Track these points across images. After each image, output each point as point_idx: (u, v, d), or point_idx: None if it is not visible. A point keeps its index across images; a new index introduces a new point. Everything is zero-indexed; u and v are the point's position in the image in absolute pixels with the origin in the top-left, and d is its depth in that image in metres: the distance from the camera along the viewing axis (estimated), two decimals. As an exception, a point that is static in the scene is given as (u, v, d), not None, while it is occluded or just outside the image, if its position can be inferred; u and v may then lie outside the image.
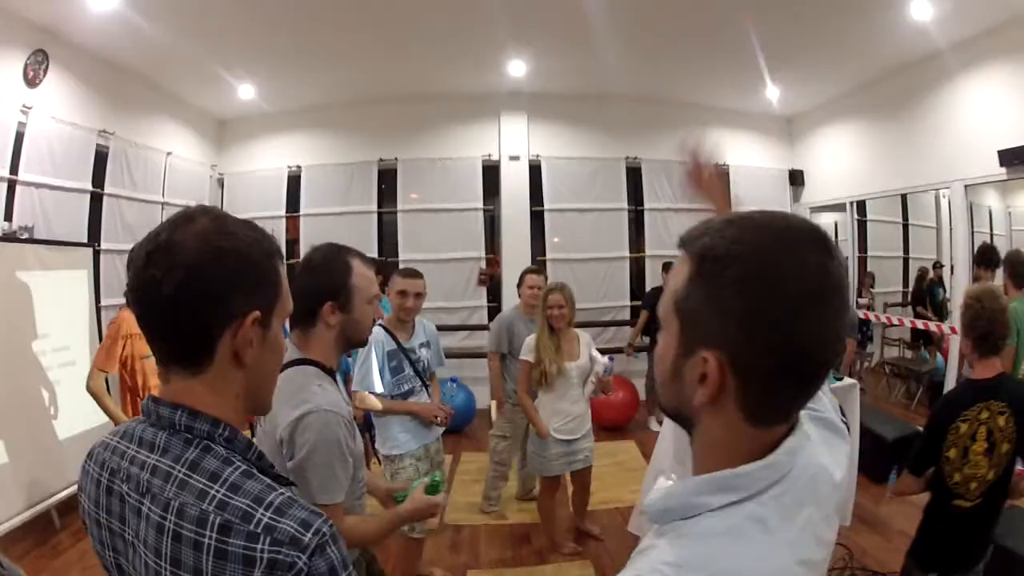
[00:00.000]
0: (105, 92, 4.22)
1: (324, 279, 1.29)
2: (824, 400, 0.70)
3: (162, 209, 4.83)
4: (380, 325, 2.41)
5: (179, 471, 0.61)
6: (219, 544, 0.58)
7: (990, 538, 1.67)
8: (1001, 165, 4.14)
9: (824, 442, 0.63)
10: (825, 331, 0.52)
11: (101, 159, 4.22)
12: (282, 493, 0.62)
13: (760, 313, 0.50)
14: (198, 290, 0.62)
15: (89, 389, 2.51)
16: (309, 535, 0.59)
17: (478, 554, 3.03)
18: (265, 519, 0.58)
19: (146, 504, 0.62)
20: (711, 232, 0.54)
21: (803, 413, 0.60)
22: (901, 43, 4.43)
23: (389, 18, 3.95)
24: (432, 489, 1.48)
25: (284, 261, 0.72)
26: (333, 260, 1.32)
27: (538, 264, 5.40)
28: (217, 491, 0.60)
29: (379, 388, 2.33)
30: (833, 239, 0.56)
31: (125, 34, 3.73)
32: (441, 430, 2.53)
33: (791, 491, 0.53)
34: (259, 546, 0.57)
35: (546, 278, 3.27)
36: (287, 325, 1.08)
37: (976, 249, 4.72)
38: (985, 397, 1.57)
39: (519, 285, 3.33)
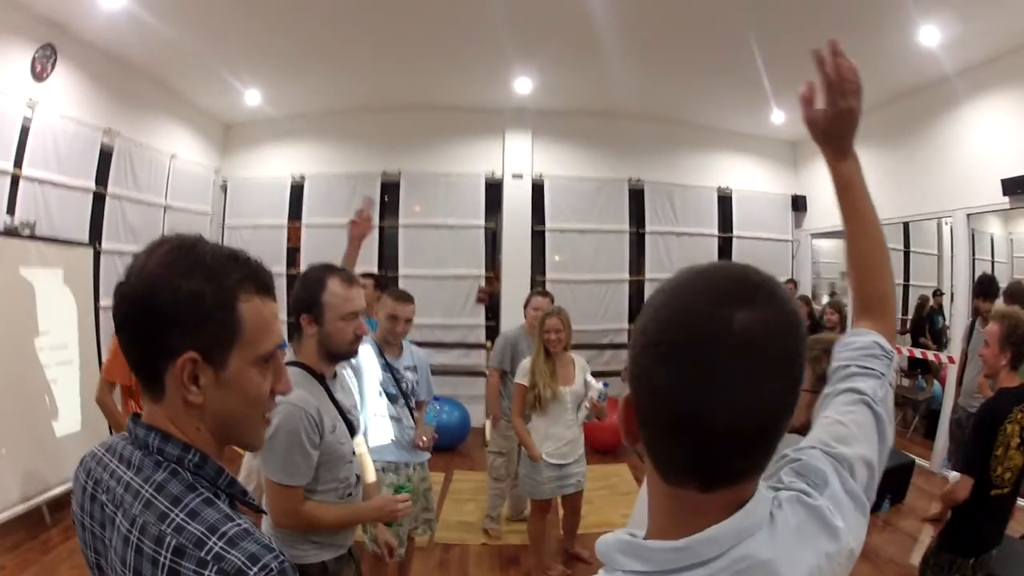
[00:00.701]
0: (111, 89, 4.31)
1: (302, 293, 1.54)
2: (831, 483, 0.61)
3: (164, 212, 4.94)
4: (370, 339, 2.43)
5: (147, 491, 0.66)
6: (173, 564, 0.62)
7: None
8: (1004, 194, 4.28)
9: (793, 535, 0.54)
10: (707, 396, 0.48)
11: (105, 158, 4.30)
12: (239, 524, 0.64)
13: (641, 358, 0.51)
14: (133, 323, 0.67)
15: (97, 400, 2.60)
16: (255, 569, 0.61)
17: (467, 574, 3.11)
18: (216, 548, 0.61)
19: (119, 517, 0.67)
20: (661, 284, 0.55)
21: (789, 499, 0.57)
22: (907, 68, 4.59)
23: (398, 29, 4.07)
24: (397, 491, 1.68)
25: (267, 295, 0.72)
26: (311, 277, 1.55)
27: (540, 285, 5.55)
28: (177, 515, 0.64)
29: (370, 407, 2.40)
30: (766, 289, 0.50)
31: (133, 31, 3.82)
32: (426, 455, 2.55)
33: None
34: (207, 572, 0.60)
35: (552, 301, 3.38)
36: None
37: (976, 279, 4.87)
38: (1019, 402, 1.98)
39: (525, 306, 3.48)
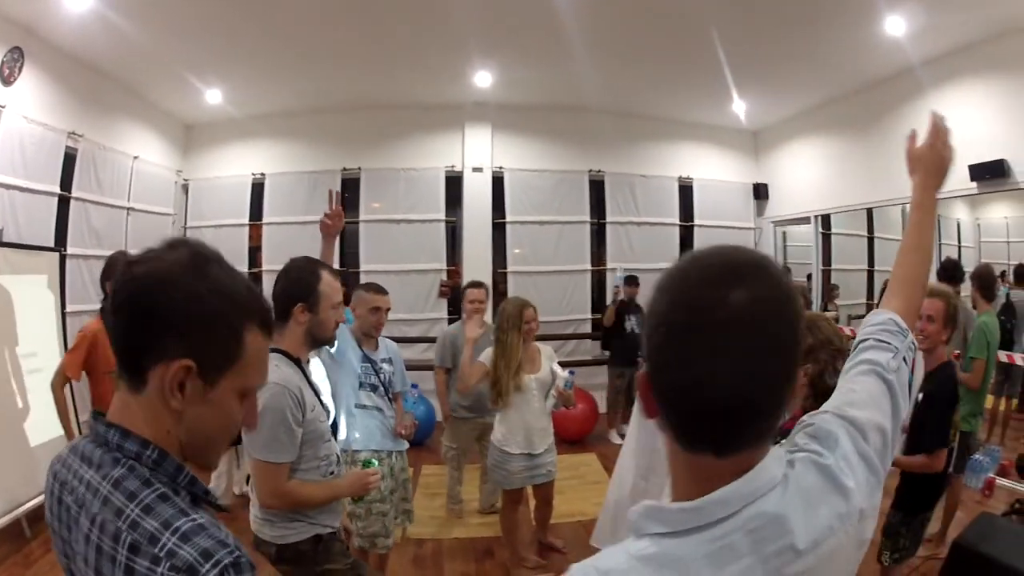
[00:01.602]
0: (76, 93, 4.43)
1: (297, 284, 1.73)
2: (841, 444, 0.66)
3: (127, 215, 5.10)
4: (349, 331, 2.58)
5: (105, 487, 0.67)
6: (128, 562, 0.64)
7: None
8: (972, 180, 4.50)
9: (805, 494, 0.60)
10: (710, 367, 0.54)
11: (69, 161, 4.41)
12: (193, 520, 0.65)
13: (652, 335, 0.58)
14: (136, 310, 0.69)
15: (52, 385, 2.67)
16: (207, 566, 0.62)
17: (442, 569, 3.22)
18: (169, 544, 0.63)
19: (82, 516, 0.68)
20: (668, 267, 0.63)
21: (802, 459, 0.63)
22: (873, 58, 4.80)
23: (356, 26, 4.25)
24: (366, 465, 1.93)
25: (268, 334, 0.76)
26: (305, 269, 1.77)
27: (502, 277, 5.83)
28: (132, 511, 0.65)
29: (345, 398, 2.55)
30: (763, 270, 0.58)
31: (98, 32, 3.95)
32: (406, 445, 2.72)
33: (721, 540, 0.56)
34: (160, 569, 0.62)
35: (487, 292, 3.58)
36: None
37: (940, 264, 5.15)
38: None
39: (461, 300, 3.64)
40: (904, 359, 0.80)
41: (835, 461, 0.63)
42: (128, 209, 5.15)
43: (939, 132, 1.05)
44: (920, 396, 2.29)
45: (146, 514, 0.65)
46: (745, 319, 0.54)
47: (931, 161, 1.03)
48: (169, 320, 0.68)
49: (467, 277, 5.86)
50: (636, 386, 1.95)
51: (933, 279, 5.24)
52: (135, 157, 5.22)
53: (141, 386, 0.70)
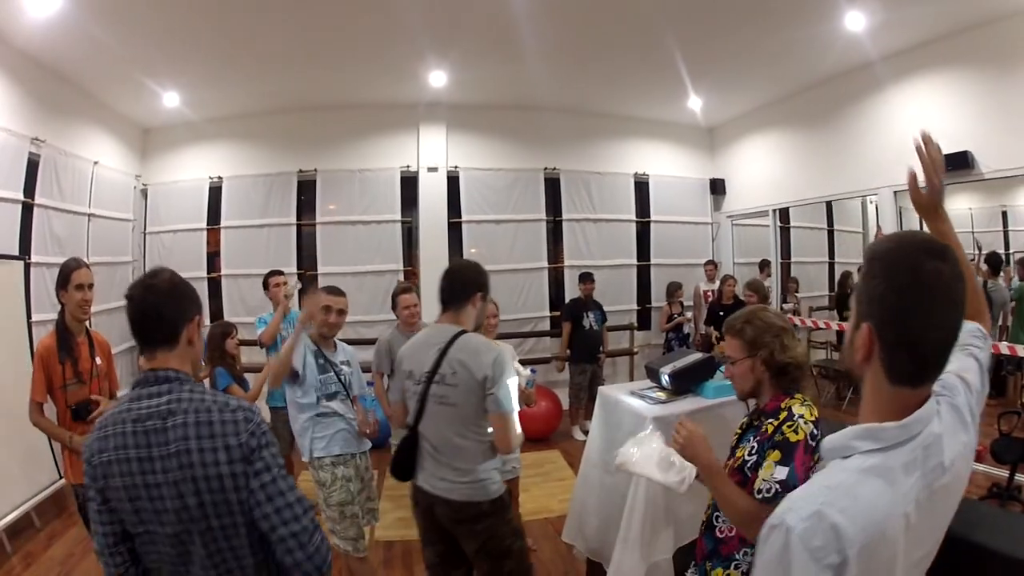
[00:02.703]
0: (38, 97, 4.57)
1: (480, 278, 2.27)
2: (961, 394, 0.94)
3: (88, 221, 5.29)
4: (305, 334, 2.76)
5: (186, 396, 1.24)
6: (220, 416, 1.23)
7: None
8: None
9: (948, 424, 0.86)
10: (928, 318, 0.80)
11: (31, 168, 4.50)
12: (226, 396, 1.30)
13: (884, 296, 0.82)
14: (172, 299, 1.31)
15: (33, 423, 2.58)
16: (250, 408, 1.27)
17: (412, 570, 3.32)
18: (233, 402, 1.27)
19: (169, 429, 1.20)
20: (873, 246, 0.88)
21: (943, 399, 0.89)
22: (831, 53, 5.05)
23: (310, 26, 4.44)
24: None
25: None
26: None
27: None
28: (204, 399, 1.25)
29: (298, 366, 2.68)
30: (949, 250, 0.83)
31: (61, 37, 4.11)
32: (369, 444, 2.85)
33: (912, 454, 0.81)
34: (236, 414, 1.24)
35: (418, 294, 3.79)
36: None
37: (983, 257, 5.47)
38: None
39: (394, 307, 3.73)
40: (987, 352, 1.13)
41: (963, 403, 0.93)
42: (89, 215, 5.31)
43: (937, 166, 1.24)
44: None
45: (208, 395, 1.26)
46: (950, 284, 0.81)
47: (932, 196, 1.26)
48: (189, 299, 1.34)
49: (424, 278, 6.20)
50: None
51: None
52: (95, 162, 5.38)
53: (175, 344, 1.29)
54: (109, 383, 2.73)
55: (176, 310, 1.30)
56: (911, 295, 0.81)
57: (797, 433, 1.50)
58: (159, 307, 1.28)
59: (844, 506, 0.75)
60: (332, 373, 2.79)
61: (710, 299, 6.36)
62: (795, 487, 1.34)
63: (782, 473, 1.47)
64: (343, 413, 2.76)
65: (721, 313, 5.92)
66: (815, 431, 1.51)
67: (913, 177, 1.24)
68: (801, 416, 1.53)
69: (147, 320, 1.28)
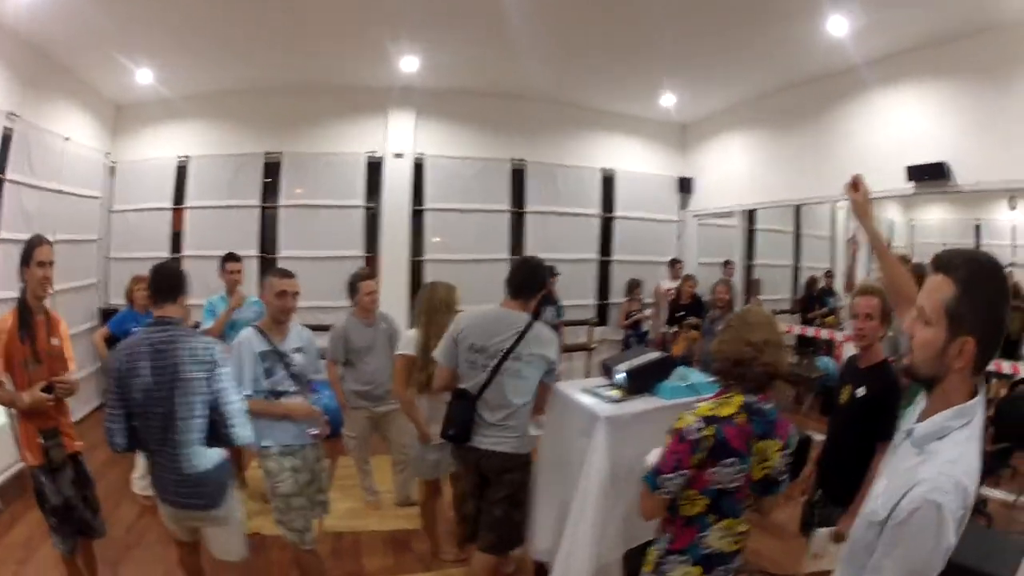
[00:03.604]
0: (14, 70, 4.63)
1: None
2: None
3: (58, 197, 5.41)
4: (253, 327, 2.81)
5: (184, 337, 2.31)
6: (199, 345, 2.33)
7: None
8: (909, 180, 4.95)
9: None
10: (1007, 323, 1.13)
11: (4, 143, 4.58)
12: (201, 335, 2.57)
13: (995, 310, 1.11)
14: (173, 281, 2.42)
15: None
16: (214, 342, 2.44)
17: (361, 562, 3.42)
18: (204, 339, 2.42)
19: (179, 352, 2.25)
20: (967, 264, 1.12)
21: None
22: (811, 56, 5.18)
23: (284, 5, 4.54)
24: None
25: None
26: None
27: (417, 266, 6.42)
28: (190, 337, 2.36)
29: (246, 390, 2.62)
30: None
31: (39, 9, 4.17)
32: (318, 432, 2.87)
33: (980, 417, 1.14)
34: (208, 345, 2.36)
35: (376, 282, 3.90)
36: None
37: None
38: None
39: (354, 293, 3.75)
40: None
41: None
42: (58, 192, 5.38)
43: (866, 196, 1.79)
44: (863, 391, 2.36)
45: (199, 339, 2.37)
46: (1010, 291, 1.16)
47: (867, 206, 1.84)
48: (183, 281, 2.46)
49: (385, 264, 6.49)
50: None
51: (866, 274, 5.74)
52: (67, 138, 5.48)
53: (177, 300, 2.40)
54: (64, 361, 2.77)
55: (180, 283, 2.40)
56: (1003, 307, 1.12)
57: (678, 421, 1.73)
58: (171, 279, 2.40)
59: (966, 470, 1.07)
60: (278, 374, 2.77)
61: (672, 297, 6.60)
62: (659, 472, 1.74)
63: (654, 457, 1.78)
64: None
65: (679, 313, 6.18)
66: (701, 424, 1.69)
67: (856, 179, 1.95)
68: (697, 407, 1.76)
69: (162, 286, 2.37)
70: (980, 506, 3.86)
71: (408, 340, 3.25)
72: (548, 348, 2.61)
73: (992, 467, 3.96)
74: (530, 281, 2.67)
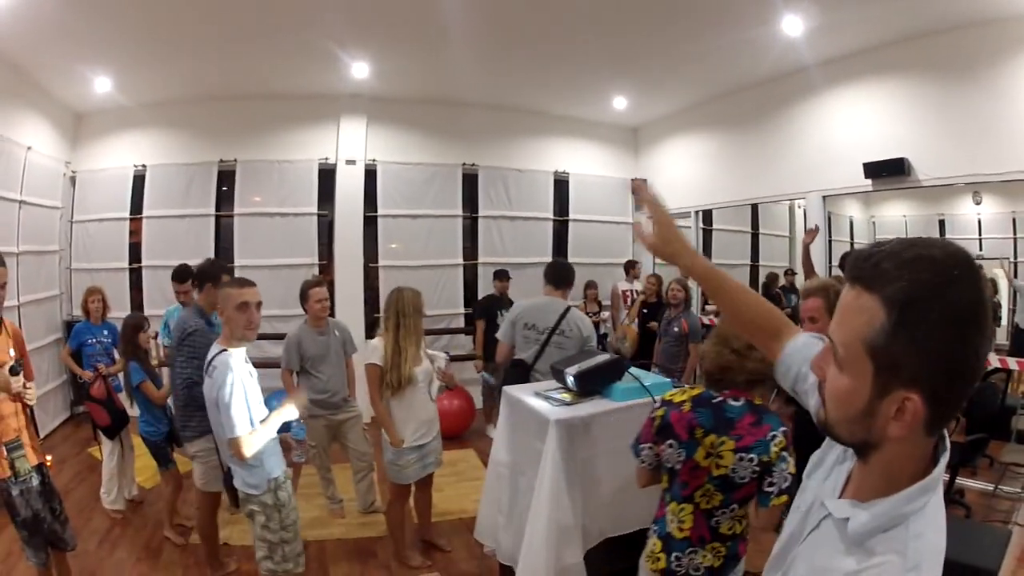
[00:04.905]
0: None
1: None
2: None
3: (19, 208, 5.77)
4: (223, 348, 2.55)
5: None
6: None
7: None
8: (866, 177, 5.18)
9: None
10: (983, 353, 0.72)
11: None
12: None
13: (959, 346, 0.70)
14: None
15: None
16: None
17: (327, 570, 3.54)
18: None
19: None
20: (908, 271, 0.70)
21: None
22: (764, 57, 5.37)
23: (234, 8, 4.67)
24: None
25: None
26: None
27: (373, 272, 6.76)
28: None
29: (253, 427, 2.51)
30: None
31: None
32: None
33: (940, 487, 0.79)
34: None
35: (331, 289, 4.28)
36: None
37: (841, 257, 5.89)
38: None
39: (305, 300, 3.96)
40: None
41: None
42: (20, 203, 5.67)
43: (653, 206, 1.25)
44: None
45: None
46: (988, 310, 0.72)
47: (664, 237, 1.24)
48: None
49: (339, 272, 6.83)
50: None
51: (825, 271, 5.96)
52: (28, 148, 5.74)
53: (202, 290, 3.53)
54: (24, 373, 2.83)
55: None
56: (974, 336, 0.70)
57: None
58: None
59: (937, 528, 0.77)
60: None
61: (629, 299, 6.89)
62: (637, 453, 2.07)
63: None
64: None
65: (645, 311, 6.41)
66: (658, 405, 2.04)
67: (639, 226, 1.34)
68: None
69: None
70: (956, 496, 4.02)
71: (373, 349, 3.39)
72: (583, 324, 3.60)
73: (967, 458, 4.03)
74: (565, 276, 3.77)
